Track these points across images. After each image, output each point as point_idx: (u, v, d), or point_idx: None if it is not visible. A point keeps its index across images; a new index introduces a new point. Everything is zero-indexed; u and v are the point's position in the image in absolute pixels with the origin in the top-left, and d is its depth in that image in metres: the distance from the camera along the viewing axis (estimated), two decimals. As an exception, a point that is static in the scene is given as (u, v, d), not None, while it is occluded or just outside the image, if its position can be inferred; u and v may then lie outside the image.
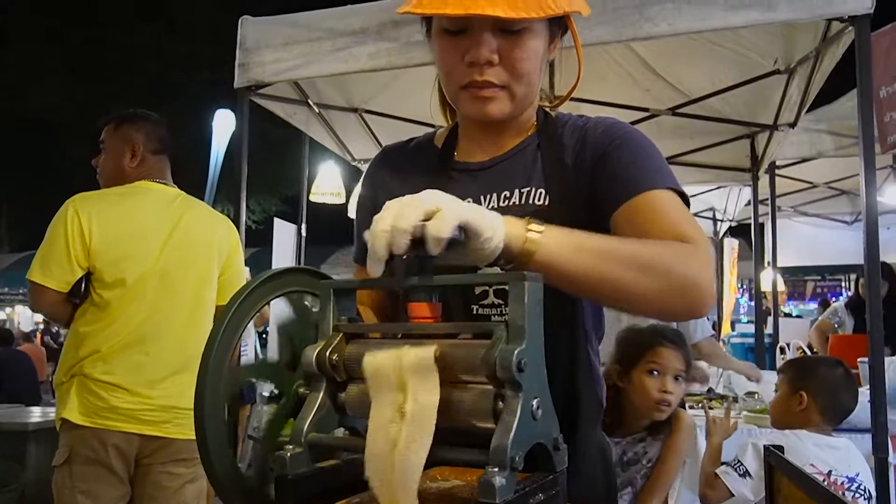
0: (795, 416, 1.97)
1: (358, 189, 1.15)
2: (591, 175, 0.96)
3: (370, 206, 1.09)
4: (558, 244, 0.77)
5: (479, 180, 1.02)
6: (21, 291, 15.13)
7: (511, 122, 1.02)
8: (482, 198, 1.00)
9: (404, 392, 0.64)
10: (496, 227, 0.73)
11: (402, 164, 1.09)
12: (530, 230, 0.76)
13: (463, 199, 0.99)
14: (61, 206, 2.06)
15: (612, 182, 0.93)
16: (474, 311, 0.97)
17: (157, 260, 2.03)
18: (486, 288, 0.96)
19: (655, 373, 1.89)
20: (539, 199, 0.97)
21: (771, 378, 3.34)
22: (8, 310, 16.80)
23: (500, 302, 0.95)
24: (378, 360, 0.66)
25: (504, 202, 0.98)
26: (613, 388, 1.94)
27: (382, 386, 0.65)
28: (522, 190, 0.98)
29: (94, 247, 2.00)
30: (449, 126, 1.11)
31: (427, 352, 0.65)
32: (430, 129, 1.15)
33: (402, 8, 0.89)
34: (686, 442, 1.93)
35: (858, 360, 3.22)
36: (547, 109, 1.07)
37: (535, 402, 0.65)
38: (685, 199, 0.93)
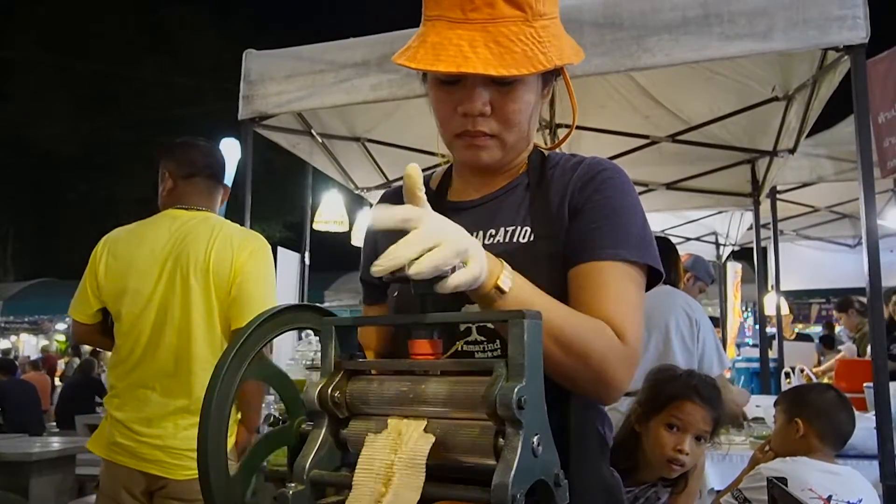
0: (796, 444, 1.96)
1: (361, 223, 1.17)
2: (569, 219, 0.99)
3: (370, 251, 1.12)
4: (518, 298, 0.80)
5: (468, 218, 1.01)
6: (26, 320, 15.14)
7: (504, 166, 1.05)
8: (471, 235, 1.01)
9: (387, 486, 0.65)
10: (483, 265, 0.75)
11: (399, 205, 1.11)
12: (503, 277, 0.79)
13: None
14: None
15: (576, 239, 0.96)
16: (458, 348, 0.97)
17: (153, 292, 1.96)
18: (470, 325, 0.96)
19: (675, 428, 1.71)
20: (524, 237, 0.98)
21: (761, 401, 3.34)
22: (13, 338, 16.80)
23: (483, 339, 0.95)
24: (374, 449, 0.68)
25: (489, 239, 1.00)
26: (632, 431, 1.79)
27: (369, 475, 0.67)
28: (508, 228, 1.00)
29: (100, 281, 2.02)
30: (444, 167, 1.14)
31: (422, 445, 0.66)
32: (430, 155, 1.17)
33: (397, 58, 0.91)
34: (699, 485, 1.84)
35: (864, 384, 3.20)
36: (543, 151, 1.08)
37: (535, 439, 0.65)
38: (653, 268, 0.97)
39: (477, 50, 0.87)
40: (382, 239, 1.11)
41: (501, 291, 0.79)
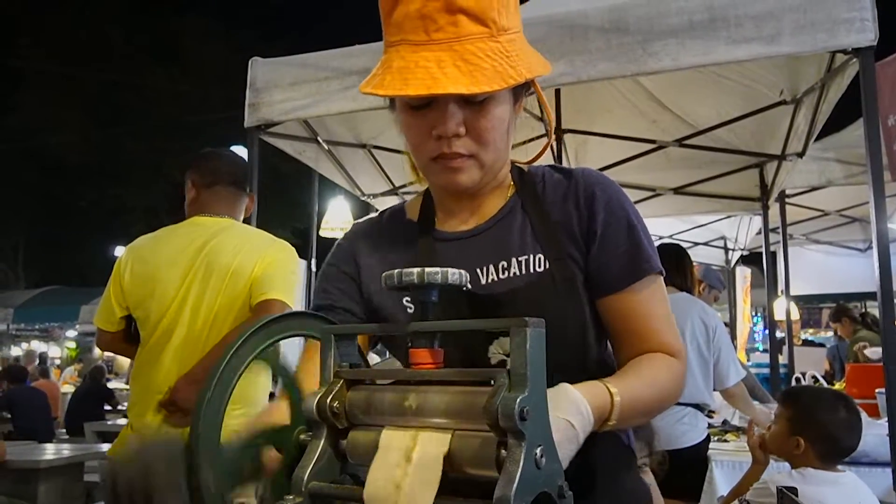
0: (794, 457, 1.92)
1: None
2: (584, 244, 0.99)
3: (340, 278, 1.06)
4: (619, 419, 0.83)
5: (468, 251, 1.01)
6: (37, 327, 15.23)
7: (485, 187, 1.02)
8: (478, 270, 0.99)
9: (414, 441, 0.65)
10: (588, 426, 0.77)
11: (380, 241, 1.07)
12: (609, 422, 0.82)
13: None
14: None
15: (600, 271, 0.98)
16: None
17: (178, 295, 1.96)
18: (504, 357, 0.93)
19: None
20: (539, 266, 0.97)
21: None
22: (24, 345, 16.90)
23: None
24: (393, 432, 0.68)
25: (504, 273, 0.98)
26: None
27: (393, 438, 0.67)
28: (520, 259, 0.98)
29: (125, 287, 2.04)
30: (420, 194, 1.10)
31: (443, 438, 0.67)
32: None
33: (364, 87, 0.89)
34: None
35: (876, 391, 3.16)
36: (521, 166, 1.07)
37: (538, 451, 0.64)
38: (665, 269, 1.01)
39: (445, 70, 0.85)
40: (370, 277, 1.04)
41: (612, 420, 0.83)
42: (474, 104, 0.91)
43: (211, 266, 1.97)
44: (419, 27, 0.86)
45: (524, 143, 1.13)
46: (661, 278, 1.00)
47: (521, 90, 0.99)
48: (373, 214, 1.17)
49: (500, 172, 1.03)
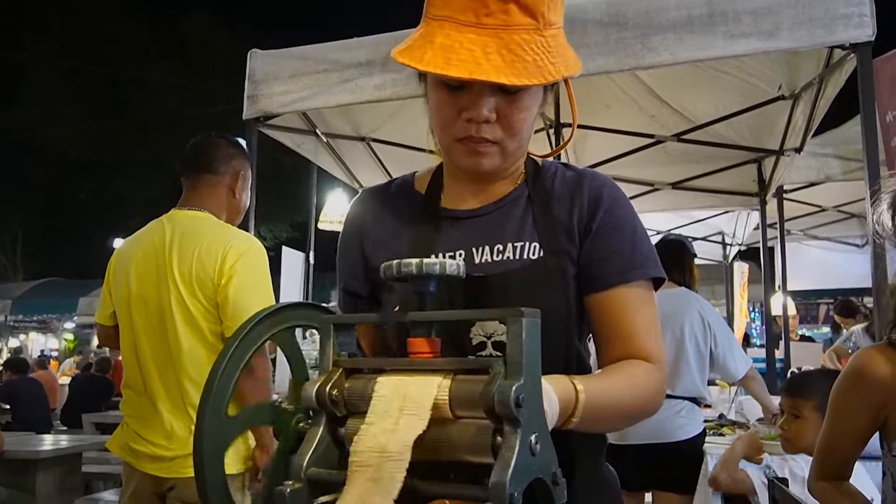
0: None
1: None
2: (580, 239, 1.00)
3: (354, 256, 1.08)
4: (586, 419, 0.82)
5: (468, 230, 1.02)
6: (35, 318, 15.25)
7: (501, 173, 1.03)
8: (474, 249, 1.00)
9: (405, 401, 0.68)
10: (554, 416, 0.77)
11: (385, 211, 1.09)
12: (573, 418, 0.81)
13: (452, 249, 1.00)
14: None
15: (593, 266, 0.98)
16: None
17: (141, 295, 1.96)
18: (484, 339, 0.96)
19: None
20: (533, 253, 0.98)
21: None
22: (22, 337, 16.91)
23: (499, 354, 0.93)
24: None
25: (498, 256, 0.99)
26: None
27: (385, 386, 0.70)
28: (516, 244, 0.99)
29: (110, 285, 2.10)
30: (431, 169, 1.11)
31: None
32: (434, 154, 1.15)
33: (400, 56, 0.88)
34: None
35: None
36: (536, 159, 1.08)
37: (533, 438, 0.65)
38: (658, 276, 1.01)
39: (490, 56, 0.84)
40: (373, 246, 1.07)
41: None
42: (508, 94, 0.92)
43: (169, 265, 1.92)
44: (469, 8, 0.86)
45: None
46: (653, 287, 1.01)
47: (550, 86, 1.00)
48: (381, 183, 1.16)
49: (517, 161, 1.04)
